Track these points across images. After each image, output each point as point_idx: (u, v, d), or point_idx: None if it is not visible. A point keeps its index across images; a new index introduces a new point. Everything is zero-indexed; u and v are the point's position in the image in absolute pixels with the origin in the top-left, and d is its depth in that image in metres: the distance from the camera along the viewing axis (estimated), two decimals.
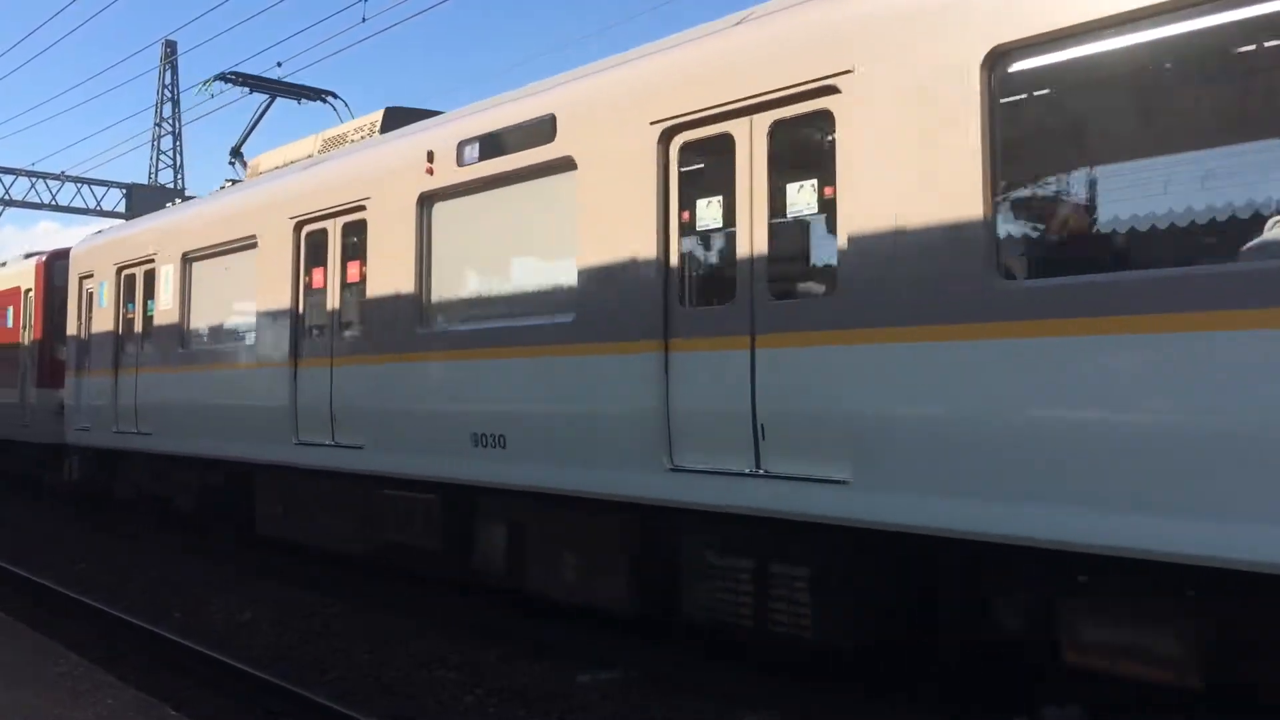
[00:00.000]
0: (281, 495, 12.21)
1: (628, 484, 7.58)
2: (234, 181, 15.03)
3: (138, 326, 15.13)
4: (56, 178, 42.15)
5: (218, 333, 13.42)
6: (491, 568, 9.21)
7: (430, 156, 9.69)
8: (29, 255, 22.08)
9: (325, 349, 11.10)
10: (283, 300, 11.73)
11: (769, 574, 6.86)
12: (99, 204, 43.42)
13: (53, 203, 42.60)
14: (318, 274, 11.41)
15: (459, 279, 9.72)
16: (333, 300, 11.10)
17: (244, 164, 15.82)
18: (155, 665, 8.85)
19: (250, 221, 12.52)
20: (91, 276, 16.55)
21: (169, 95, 50.08)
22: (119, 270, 15.59)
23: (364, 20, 18.17)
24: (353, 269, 10.90)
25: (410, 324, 9.82)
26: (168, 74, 49.61)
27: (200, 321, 13.77)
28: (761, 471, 6.78)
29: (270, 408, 11.83)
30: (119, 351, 15.52)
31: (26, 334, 19.86)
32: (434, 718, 7.48)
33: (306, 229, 11.53)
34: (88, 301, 16.75)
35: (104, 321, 15.90)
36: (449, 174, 9.51)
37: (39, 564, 13.41)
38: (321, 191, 11.35)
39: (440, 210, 9.76)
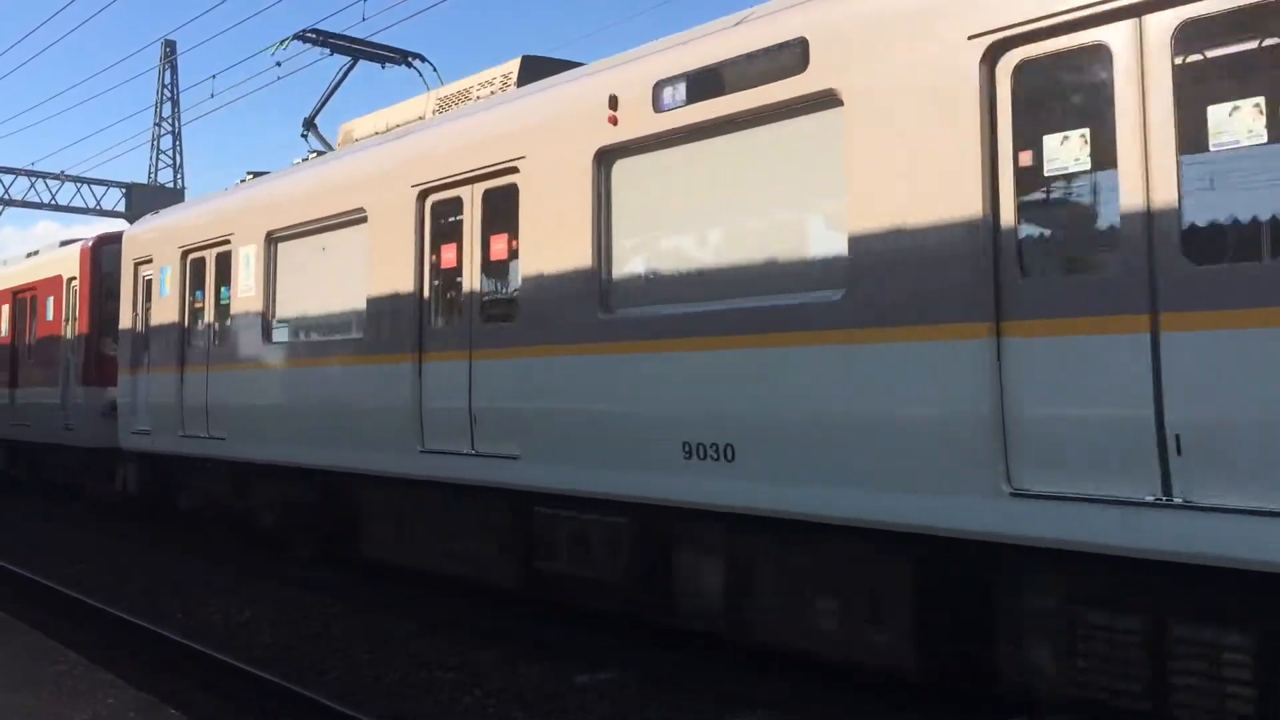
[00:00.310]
0: (397, 512, 10.43)
1: (940, 512, 5.78)
2: (319, 152, 13.25)
3: (208, 317, 13.35)
4: (56, 177, 41.87)
5: (312, 323, 11.63)
6: (701, 608, 7.42)
7: (613, 103, 7.89)
8: (66, 243, 20.30)
9: (461, 340, 9.30)
10: (402, 283, 9.94)
11: (1179, 639, 5.04)
12: (98, 203, 43.21)
13: (52, 202, 42.35)
14: (448, 251, 9.61)
15: (657, 251, 7.90)
16: (471, 281, 9.31)
17: (319, 136, 14.12)
18: (155, 665, 8.77)
19: (357, 193, 10.73)
20: (149, 262, 14.77)
21: (168, 95, 50.11)
22: (185, 254, 13.80)
23: (364, 20, 19.38)
24: (498, 243, 9.10)
25: (585, 308, 8.03)
26: (167, 73, 49.76)
27: (289, 310, 11.98)
28: (1176, 501, 4.96)
29: (384, 409, 10.06)
30: (185, 345, 13.74)
31: (69, 327, 18.07)
32: (433, 718, 7.43)
33: (433, 199, 9.74)
34: (145, 290, 14.97)
35: (166, 312, 14.12)
36: (641, 122, 7.72)
37: (39, 564, 13.15)
38: (453, 154, 9.55)
39: (626, 168, 7.96)
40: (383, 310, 10.19)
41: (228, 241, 12.88)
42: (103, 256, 17.34)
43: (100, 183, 43.37)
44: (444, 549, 9.81)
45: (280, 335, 11.97)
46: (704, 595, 7.37)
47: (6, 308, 20.66)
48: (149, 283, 14.88)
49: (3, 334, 20.79)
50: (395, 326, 10.00)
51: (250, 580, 12.09)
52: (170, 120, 49.94)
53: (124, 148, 58.43)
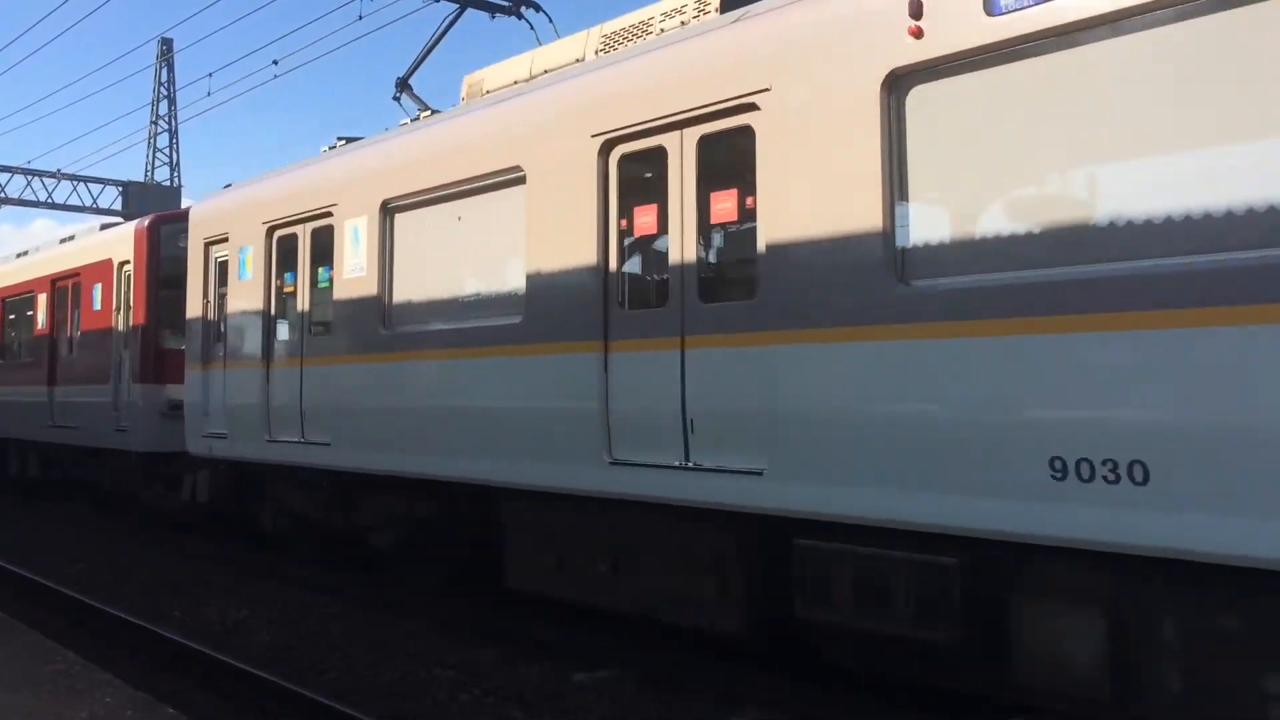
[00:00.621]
0: (562, 536, 8.56)
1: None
2: (432, 110, 11.39)
3: (303, 303, 11.47)
4: (52, 175, 41.66)
5: (444, 307, 9.72)
6: (1066, 675, 5.53)
7: (916, 9, 6.01)
8: (105, 227, 18.40)
9: (667, 324, 7.43)
10: (577, 255, 8.08)
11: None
12: (95, 202, 43.01)
13: (49, 200, 42.14)
14: (644, 214, 7.76)
15: (992, 203, 5.99)
16: (681, 250, 7.43)
17: (414, 97, 12.28)
18: (154, 665, 8.72)
19: (510, 149, 8.85)
20: (224, 241, 12.89)
21: (165, 93, 49.78)
22: (271, 231, 11.92)
23: (360, 18, 17.46)
24: (722, 202, 7.22)
25: (872, 280, 6.14)
26: (164, 71, 49.38)
27: (412, 292, 10.09)
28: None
29: (550, 411, 8.22)
30: (272, 336, 11.87)
31: (122, 317, 16.05)
32: (432, 718, 7.41)
33: (622, 151, 7.88)
34: (219, 273, 13.11)
35: (247, 298, 12.25)
36: (962, 31, 5.84)
37: (38, 563, 13.00)
38: (651, 95, 7.64)
39: (934, 95, 6.08)
40: (549, 290, 8.32)
41: (328, 214, 11.00)
42: (161, 237, 15.42)
43: (97, 181, 43.11)
44: (627, 582, 7.94)
45: (401, 322, 10.08)
46: (1069, 659, 5.48)
47: (43, 297, 18.61)
48: (223, 265, 13.01)
49: (39, 326, 18.76)
50: (567, 309, 8.13)
51: (249, 579, 11.98)
52: (167, 118, 49.79)
53: (120, 146, 57.97)
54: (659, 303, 7.60)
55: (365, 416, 10.27)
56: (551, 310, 8.31)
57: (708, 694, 7.41)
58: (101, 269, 16.61)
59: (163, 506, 15.31)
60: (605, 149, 7.94)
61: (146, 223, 15.82)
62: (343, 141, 12.13)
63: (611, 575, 8.11)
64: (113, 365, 16.05)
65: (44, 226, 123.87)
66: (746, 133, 6.97)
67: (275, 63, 22.09)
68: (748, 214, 7.02)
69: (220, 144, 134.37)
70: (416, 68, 12.73)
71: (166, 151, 49.76)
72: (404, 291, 10.15)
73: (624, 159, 7.87)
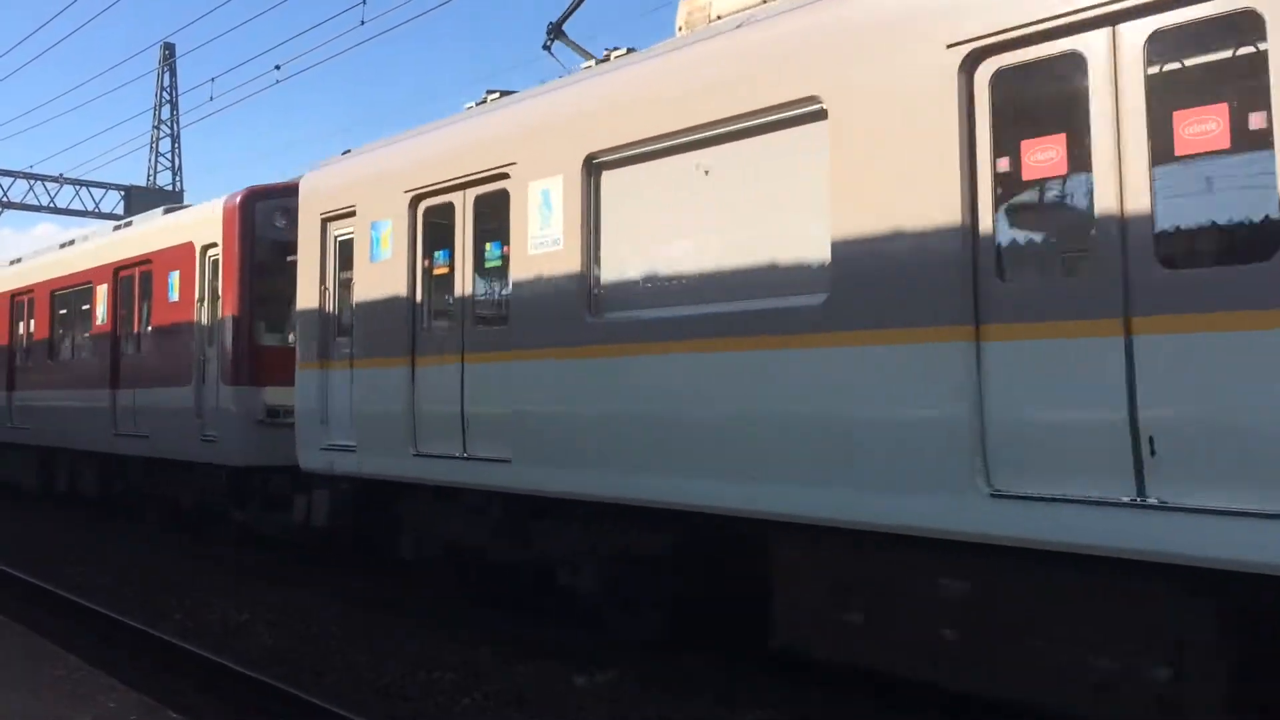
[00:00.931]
0: (878, 587, 6.42)
1: None
2: (595, 60, 9.27)
3: (463, 286, 9.34)
4: (55, 180, 41.86)
5: (686, 285, 7.56)
6: None
7: None
8: (168, 210, 16.18)
9: (1094, 303, 5.30)
10: (921, 212, 5.98)
11: None
12: (97, 206, 43.20)
13: (51, 205, 42.40)
14: (1041, 149, 5.61)
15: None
16: (1119, 199, 5.27)
17: (571, 44, 10.38)
18: (155, 667, 8.65)
19: (798, 76, 6.70)
20: (348, 216, 10.74)
21: (167, 98, 49.94)
22: (416, 201, 9.77)
23: (363, 23, 17.43)
24: (1198, 122, 5.06)
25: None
26: (166, 76, 49.59)
27: (630, 269, 7.97)
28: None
29: (866, 421, 6.16)
30: (417, 328, 9.73)
31: (206, 309, 13.84)
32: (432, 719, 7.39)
33: (998, 66, 5.75)
34: (340, 254, 10.97)
35: (383, 282, 10.09)
36: None
37: (38, 565, 12.87)
38: None
39: None
40: (873, 259, 6.20)
41: (502, 176, 8.85)
42: (257, 215, 13.18)
43: (99, 185, 43.26)
44: (1019, 657, 5.79)
45: (615, 307, 7.95)
46: None
47: (103, 289, 16.31)
48: (346, 245, 10.86)
49: (98, 322, 16.42)
50: (906, 285, 6.03)
51: (249, 582, 11.87)
52: (169, 123, 49.80)
53: (123, 150, 57.55)
54: (1082, 274, 5.48)
55: (561, 427, 8.15)
56: (873, 288, 6.18)
57: (707, 696, 7.37)
58: (179, 254, 14.25)
59: (262, 529, 13.18)
60: (969, 65, 5.81)
61: (238, 199, 13.40)
62: (496, 95, 10.00)
63: (963, 643, 5.97)
64: (194, 365, 13.80)
65: (46, 231, 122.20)
66: (1252, 22, 4.83)
67: (278, 67, 21.84)
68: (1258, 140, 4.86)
69: (222, 149, 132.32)
70: (573, 11, 10.66)
71: (169, 156, 50.01)
72: (618, 268, 8.03)
73: (1001, 77, 5.74)
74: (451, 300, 9.47)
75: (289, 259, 12.47)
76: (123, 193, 44.18)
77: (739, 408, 6.84)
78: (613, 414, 7.70)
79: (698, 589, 7.84)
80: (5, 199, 41.23)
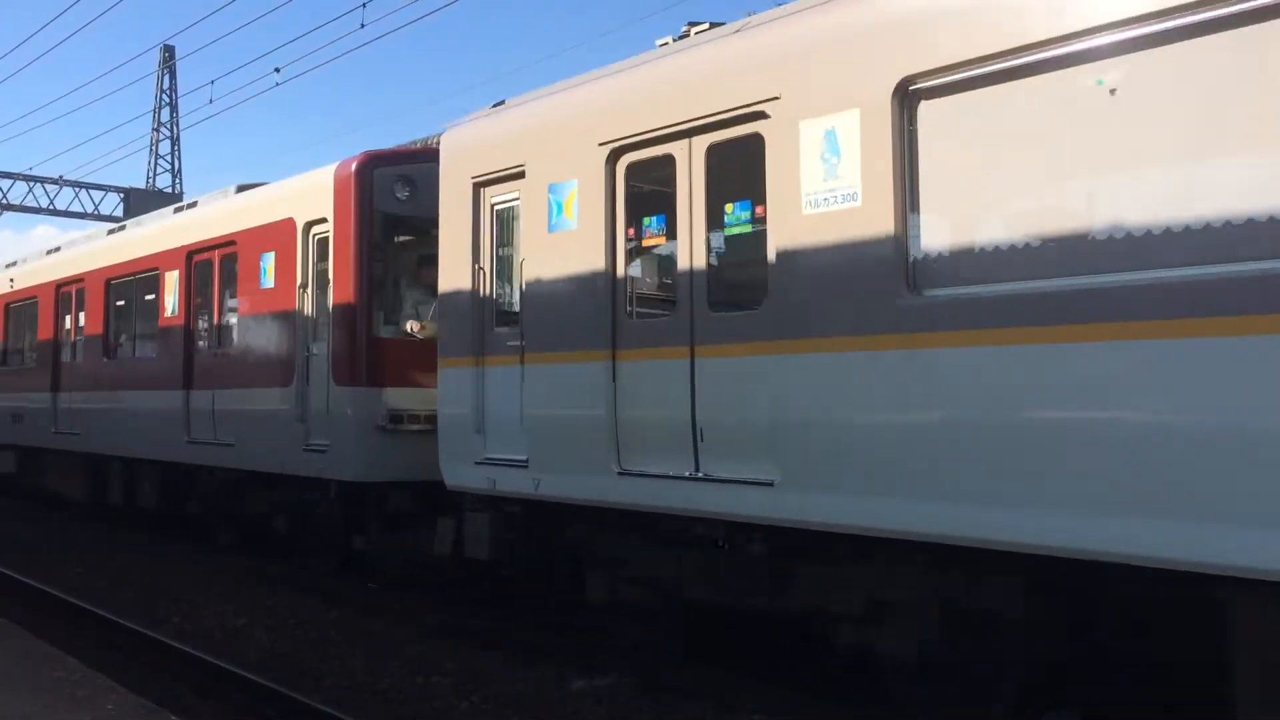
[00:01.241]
0: None
1: None
2: None
3: (690, 258, 7.38)
4: (54, 182, 42.06)
5: (1071, 250, 5.53)
6: None
7: None
8: (242, 188, 13.70)
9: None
10: None
11: None
12: (96, 208, 43.40)
13: (50, 207, 42.63)
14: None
15: None
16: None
17: None
18: (153, 671, 8.63)
19: None
20: (514, 178, 8.71)
21: (167, 100, 50.12)
22: (615, 155, 7.82)
23: (363, 26, 17.99)
24: None
25: None
26: (166, 79, 49.74)
27: (975, 229, 6.03)
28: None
29: None
30: (618, 313, 7.80)
31: (311, 297, 11.52)
32: None
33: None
34: (498, 226, 9.01)
35: (568, 258, 8.14)
36: None
37: (37, 568, 12.77)
38: None
39: None
40: None
41: (753, 117, 6.89)
42: (376, 185, 10.91)
43: (98, 187, 43.38)
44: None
45: (949, 280, 5.96)
46: None
47: (173, 276, 13.93)
48: (507, 213, 8.94)
49: (167, 313, 14.10)
50: None
51: (247, 584, 11.75)
52: (169, 125, 49.93)
53: (122, 153, 57.02)
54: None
55: (862, 441, 6.16)
56: None
57: (704, 700, 7.39)
58: (275, 233, 11.96)
59: (384, 560, 11.05)
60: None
61: (354, 166, 11.03)
62: (697, 28, 7.98)
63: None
64: (297, 362, 11.52)
65: (45, 233, 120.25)
66: None
67: (278, 70, 21.60)
68: None
69: (222, 151, 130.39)
70: None
71: (168, 159, 50.10)
72: (952, 229, 6.06)
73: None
74: (671, 278, 7.57)
75: (410, 238, 11.28)
76: (122, 195, 44.10)
77: (1191, 419, 4.86)
78: (944, 424, 5.73)
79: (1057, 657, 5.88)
80: (4, 201, 41.03)
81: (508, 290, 8.96)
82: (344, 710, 7.13)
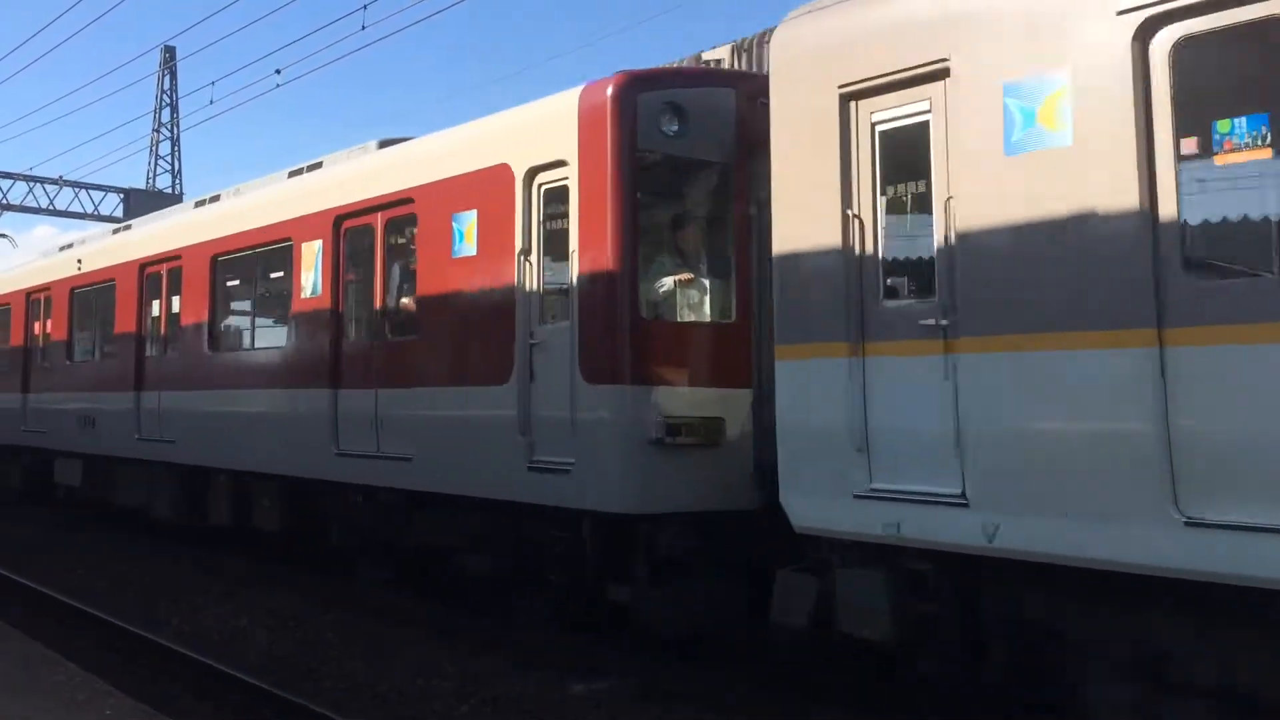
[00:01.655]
0: None
1: None
2: None
3: None
4: (54, 182, 42.21)
5: None
6: None
7: None
8: (384, 143, 11.50)
9: None
10: None
11: None
12: (96, 208, 43.49)
13: (50, 207, 42.83)
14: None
15: None
16: None
17: None
18: (152, 673, 8.64)
19: None
20: (925, 80, 6.33)
21: (167, 100, 50.20)
22: (1147, 31, 5.32)
23: (363, 28, 16.67)
24: None
25: None
26: (166, 79, 49.79)
27: None
28: None
29: None
30: (1167, 275, 5.23)
31: (533, 268, 8.83)
32: None
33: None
34: (884, 155, 6.68)
35: (1047, 192, 5.67)
36: None
37: (37, 570, 12.79)
38: None
39: None
40: None
41: None
42: (639, 115, 8.18)
43: (98, 188, 43.51)
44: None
45: None
46: None
47: (314, 248, 11.30)
48: (900, 135, 6.57)
49: (305, 293, 11.44)
50: None
51: (247, 587, 11.78)
52: (169, 126, 50.03)
53: (122, 153, 57.36)
54: None
55: None
56: None
57: (703, 702, 7.44)
58: (479, 185, 9.28)
59: (673, 623, 8.24)
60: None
61: (610, 90, 8.19)
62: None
63: None
64: (517, 353, 8.79)
65: (45, 233, 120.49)
66: None
67: (278, 71, 21.72)
68: None
69: (222, 152, 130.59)
70: None
71: (169, 159, 50.12)
72: None
73: None
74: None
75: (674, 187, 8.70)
76: (122, 195, 44.14)
77: None
78: None
79: None
80: (4, 201, 41.19)
81: (907, 245, 6.67)
82: (343, 713, 7.15)
